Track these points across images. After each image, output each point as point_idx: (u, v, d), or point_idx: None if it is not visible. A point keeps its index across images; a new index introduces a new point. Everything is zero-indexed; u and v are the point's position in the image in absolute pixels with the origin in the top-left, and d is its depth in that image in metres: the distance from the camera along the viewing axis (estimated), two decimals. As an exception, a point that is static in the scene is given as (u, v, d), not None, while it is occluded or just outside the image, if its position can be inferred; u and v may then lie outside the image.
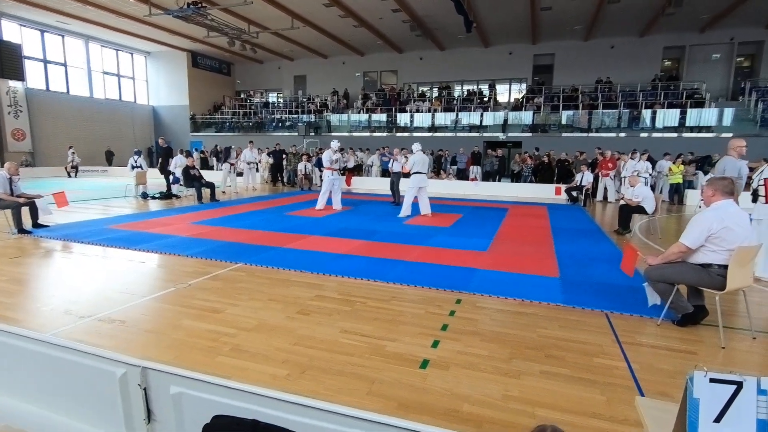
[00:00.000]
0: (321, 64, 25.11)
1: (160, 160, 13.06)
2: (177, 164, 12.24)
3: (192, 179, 11.38)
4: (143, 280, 4.75)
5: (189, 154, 12.91)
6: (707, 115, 16.69)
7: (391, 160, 11.78)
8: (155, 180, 14.57)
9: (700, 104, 17.09)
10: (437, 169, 17.52)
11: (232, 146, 18.58)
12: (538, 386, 2.65)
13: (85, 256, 5.69)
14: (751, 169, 5.73)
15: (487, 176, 16.31)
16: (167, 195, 12.19)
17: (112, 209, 10.00)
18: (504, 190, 15.23)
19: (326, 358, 2.94)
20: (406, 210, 9.28)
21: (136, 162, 12.36)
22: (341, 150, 10.68)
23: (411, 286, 4.55)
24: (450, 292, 4.39)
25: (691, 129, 16.70)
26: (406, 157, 10.32)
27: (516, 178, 16.21)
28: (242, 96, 27.65)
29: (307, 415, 1.66)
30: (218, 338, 3.23)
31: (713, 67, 19.10)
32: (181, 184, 12.19)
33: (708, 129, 16.52)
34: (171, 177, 12.54)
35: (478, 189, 15.41)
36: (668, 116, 17.07)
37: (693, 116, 16.76)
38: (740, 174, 5.15)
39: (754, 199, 5.03)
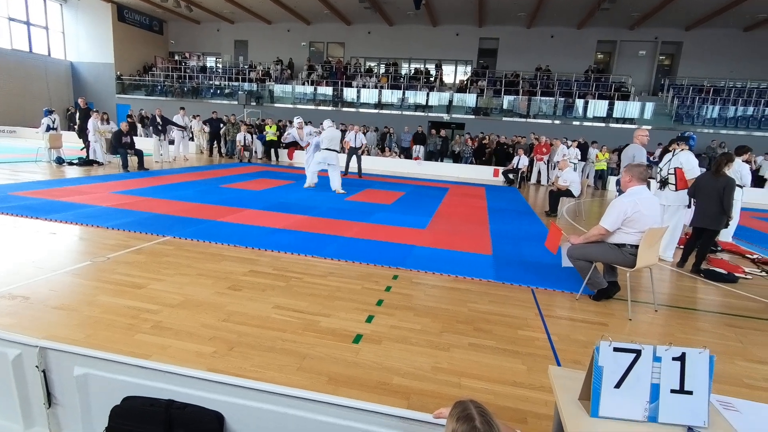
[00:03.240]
0: (264, 29, 23.78)
1: (78, 122, 11.81)
2: (94, 128, 11.14)
3: (120, 146, 10.41)
4: (54, 252, 4.30)
5: (87, 113, 11.65)
6: (631, 108, 17.99)
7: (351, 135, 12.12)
8: (78, 145, 13.23)
9: (625, 97, 18.36)
10: (382, 146, 17.49)
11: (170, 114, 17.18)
12: (466, 358, 2.75)
13: (-17, 225, 5.05)
14: (651, 154, 6.36)
15: (430, 156, 16.55)
16: (87, 161, 11.11)
17: (19, 174, 8.94)
18: (446, 170, 15.57)
19: (256, 335, 2.85)
20: (310, 180, 9.49)
21: (53, 123, 11.10)
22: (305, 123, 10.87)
23: (349, 262, 4.52)
24: (387, 268, 4.43)
25: (617, 120, 17.96)
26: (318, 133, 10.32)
27: (457, 158, 16.61)
28: (176, 58, 25.57)
29: (227, 393, 1.59)
30: (138, 315, 3.02)
31: (639, 62, 20.54)
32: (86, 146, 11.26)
33: (631, 121, 17.84)
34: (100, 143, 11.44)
35: (421, 168, 15.63)
36: (598, 107, 18.20)
37: (619, 108, 18.00)
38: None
39: (662, 187, 5.50)
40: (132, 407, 1.62)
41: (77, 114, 12.08)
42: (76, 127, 11.93)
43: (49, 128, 11.00)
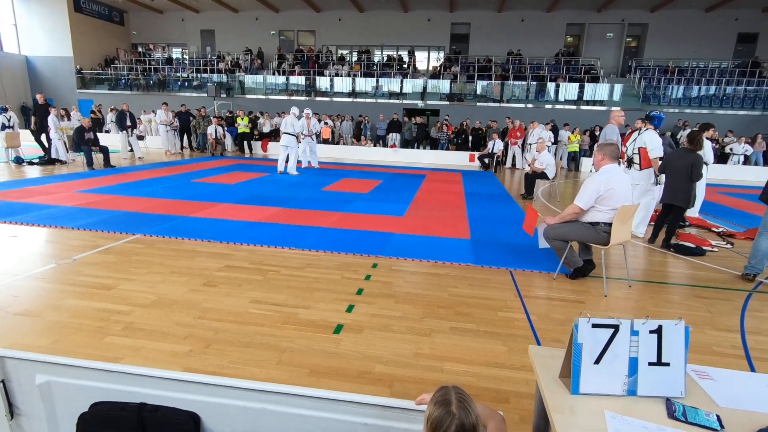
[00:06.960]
0: (231, 18, 23.05)
1: (34, 119, 11.23)
2: (54, 125, 10.64)
3: (83, 142, 9.95)
4: (15, 256, 4.08)
5: (46, 110, 11.11)
6: (601, 90, 18.33)
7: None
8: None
9: (595, 79, 18.68)
10: (357, 135, 17.34)
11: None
12: (447, 342, 2.75)
13: (-64, 231, 4.76)
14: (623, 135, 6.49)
15: (406, 143, 16.51)
16: (49, 160, 10.60)
17: (-26, 176, 8.47)
18: (422, 157, 15.57)
19: (234, 331, 2.78)
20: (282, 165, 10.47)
21: (9, 121, 10.53)
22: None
23: (327, 253, 4.47)
24: (367, 256, 4.39)
25: (587, 102, 18.28)
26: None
27: (434, 145, 16.62)
28: (140, 50, 24.55)
29: (202, 393, 1.53)
30: (108, 317, 2.90)
31: (607, 45, 20.89)
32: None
33: (601, 103, 18.19)
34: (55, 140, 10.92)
35: (397, 156, 15.58)
36: (569, 90, 18.47)
37: (589, 90, 18.31)
38: (618, 140, 5.78)
39: (629, 166, 5.63)
40: (101, 413, 1.54)
41: (33, 111, 11.52)
42: (33, 125, 11.31)
43: (4, 127, 10.44)
